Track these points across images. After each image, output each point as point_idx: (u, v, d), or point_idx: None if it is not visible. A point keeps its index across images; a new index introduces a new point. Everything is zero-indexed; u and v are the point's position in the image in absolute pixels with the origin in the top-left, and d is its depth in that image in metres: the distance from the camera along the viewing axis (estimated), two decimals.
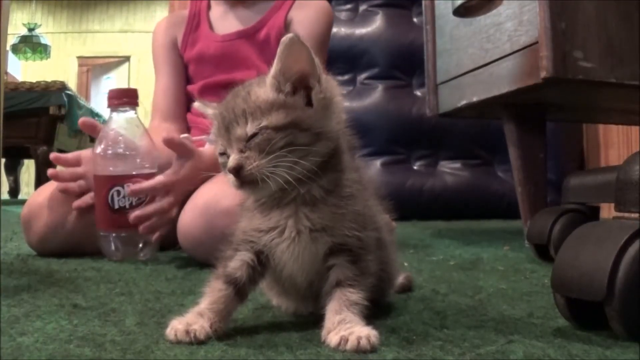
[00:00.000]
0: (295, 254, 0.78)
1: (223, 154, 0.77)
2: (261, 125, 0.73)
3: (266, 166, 0.73)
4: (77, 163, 1.54)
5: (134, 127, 1.49)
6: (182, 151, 1.45)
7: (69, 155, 1.57)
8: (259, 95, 0.76)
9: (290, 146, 0.73)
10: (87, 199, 1.51)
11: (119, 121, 1.49)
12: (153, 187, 1.43)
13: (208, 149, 1.49)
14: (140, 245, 1.48)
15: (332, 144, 0.77)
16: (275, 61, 0.76)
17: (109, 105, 1.49)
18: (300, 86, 0.76)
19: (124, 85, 11.36)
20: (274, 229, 0.78)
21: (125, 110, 1.50)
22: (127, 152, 1.46)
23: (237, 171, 0.74)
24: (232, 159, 0.74)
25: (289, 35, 0.75)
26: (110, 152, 1.45)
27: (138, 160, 1.46)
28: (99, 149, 1.46)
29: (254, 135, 0.73)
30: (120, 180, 1.44)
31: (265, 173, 0.73)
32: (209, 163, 1.44)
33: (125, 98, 1.50)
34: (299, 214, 0.77)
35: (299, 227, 0.77)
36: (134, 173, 1.45)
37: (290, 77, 0.76)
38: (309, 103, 0.76)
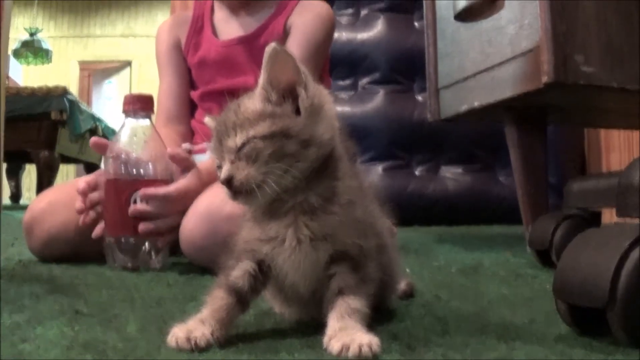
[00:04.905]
0: (296, 263, 0.78)
1: (219, 167, 0.78)
2: (249, 136, 0.74)
3: (255, 175, 0.73)
4: (94, 187, 1.51)
5: (147, 134, 1.48)
6: (186, 165, 1.46)
7: (89, 181, 1.51)
8: (248, 106, 0.77)
9: (279, 154, 0.74)
10: (92, 214, 1.50)
11: (133, 127, 1.48)
12: (168, 194, 1.43)
13: (204, 162, 1.49)
14: (152, 252, 1.47)
15: (323, 151, 0.77)
16: (262, 72, 0.77)
17: (124, 111, 1.48)
18: (288, 95, 0.77)
19: (126, 90, 11.37)
20: (274, 239, 0.78)
21: (140, 116, 1.48)
22: (144, 158, 1.45)
23: (229, 182, 0.74)
24: (224, 171, 0.75)
25: (272, 45, 0.75)
26: (128, 156, 1.44)
27: (152, 166, 1.46)
28: (116, 153, 1.45)
29: (243, 145, 0.74)
30: (139, 184, 1.43)
31: (254, 182, 0.74)
32: (206, 178, 1.44)
33: (139, 104, 1.48)
34: (299, 223, 0.77)
35: (299, 236, 0.77)
36: (147, 179, 1.44)
37: (276, 86, 0.77)
38: (298, 111, 0.76)
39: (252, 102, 0.78)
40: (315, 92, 0.78)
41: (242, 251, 0.81)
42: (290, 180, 0.75)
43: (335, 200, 0.78)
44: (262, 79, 0.77)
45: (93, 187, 1.50)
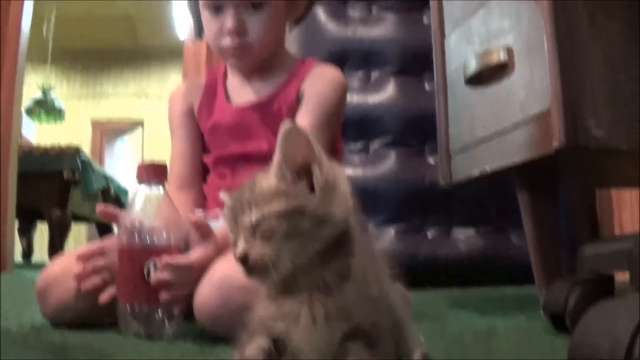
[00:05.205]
0: (311, 341, 0.78)
1: (234, 244, 0.79)
2: (264, 213, 0.75)
3: (270, 253, 0.74)
4: (100, 253, 1.53)
5: (160, 202, 1.49)
6: (207, 234, 1.46)
7: (92, 247, 1.54)
8: (263, 184, 0.79)
9: (293, 232, 0.75)
10: (95, 279, 1.51)
11: (147, 195, 1.49)
12: (190, 264, 1.43)
13: (219, 229, 1.50)
14: (166, 320, 1.46)
15: (337, 229, 0.78)
16: (276, 150, 0.79)
17: (137, 178, 1.50)
18: (303, 173, 0.78)
19: (138, 150, 11.46)
20: (288, 316, 0.78)
21: (154, 184, 1.50)
22: (157, 225, 1.46)
23: (244, 260, 0.75)
24: (239, 248, 0.76)
25: (286, 125, 0.77)
26: (141, 224, 1.45)
27: (165, 234, 1.46)
28: (129, 222, 1.46)
29: (258, 223, 0.75)
30: (153, 252, 1.44)
31: (269, 260, 0.74)
32: (221, 245, 1.45)
33: (153, 173, 1.50)
34: (313, 300, 0.77)
35: (313, 314, 0.77)
36: (161, 247, 1.45)
37: (291, 165, 0.78)
38: (313, 189, 0.77)
39: (267, 180, 0.79)
40: (329, 170, 0.79)
41: (257, 328, 0.81)
42: (305, 258, 0.76)
43: (350, 277, 0.78)
44: (276, 157, 0.79)
45: (99, 253, 1.51)
